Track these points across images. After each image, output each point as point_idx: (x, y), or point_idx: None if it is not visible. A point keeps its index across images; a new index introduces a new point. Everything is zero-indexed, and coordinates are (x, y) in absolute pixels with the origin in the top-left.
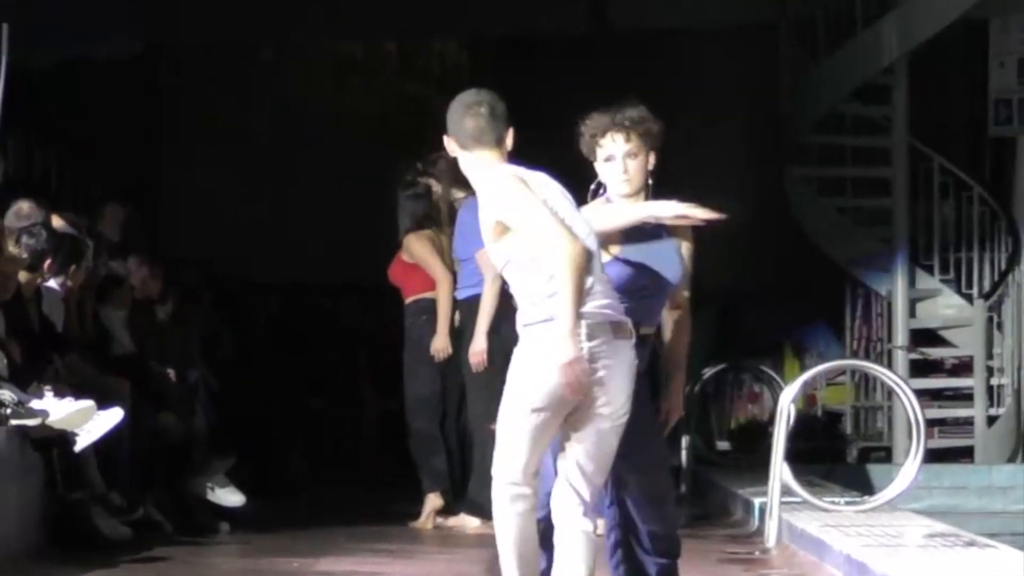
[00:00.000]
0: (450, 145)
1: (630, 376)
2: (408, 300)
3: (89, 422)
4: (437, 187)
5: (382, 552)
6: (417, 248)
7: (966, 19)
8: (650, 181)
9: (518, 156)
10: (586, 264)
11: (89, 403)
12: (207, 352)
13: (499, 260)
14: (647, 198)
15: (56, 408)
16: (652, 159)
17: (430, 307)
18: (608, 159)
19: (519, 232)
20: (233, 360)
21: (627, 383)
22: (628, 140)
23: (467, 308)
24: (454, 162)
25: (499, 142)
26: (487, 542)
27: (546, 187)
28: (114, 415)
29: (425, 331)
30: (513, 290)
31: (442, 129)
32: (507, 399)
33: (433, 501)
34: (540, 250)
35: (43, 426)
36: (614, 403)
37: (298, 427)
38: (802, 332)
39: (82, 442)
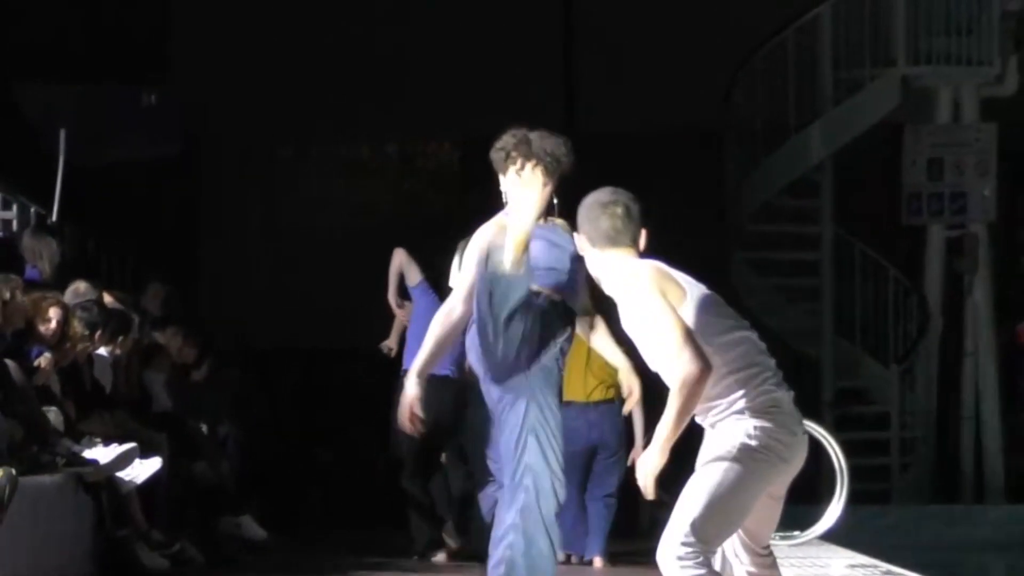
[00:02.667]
0: (580, 241)
1: None
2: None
3: (132, 466)
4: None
5: None
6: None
7: (884, 124)
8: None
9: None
10: (700, 387)
11: (132, 445)
12: (237, 409)
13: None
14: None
15: (104, 454)
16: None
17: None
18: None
19: (655, 335)
20: (259, 415)
21: None
22: (546, 174)
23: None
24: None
25: (634, 242)
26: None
27: (688, 281)
28: (154, 463)
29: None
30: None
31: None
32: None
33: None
34: (668, 361)
35: (93, 472)
36: None
37: (313, 474)
38: None
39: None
